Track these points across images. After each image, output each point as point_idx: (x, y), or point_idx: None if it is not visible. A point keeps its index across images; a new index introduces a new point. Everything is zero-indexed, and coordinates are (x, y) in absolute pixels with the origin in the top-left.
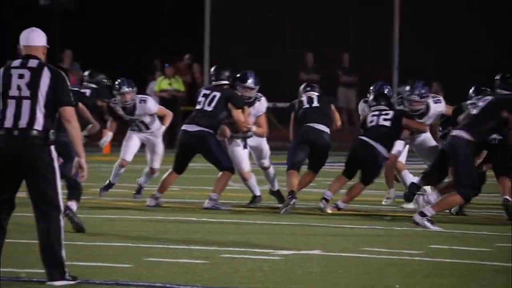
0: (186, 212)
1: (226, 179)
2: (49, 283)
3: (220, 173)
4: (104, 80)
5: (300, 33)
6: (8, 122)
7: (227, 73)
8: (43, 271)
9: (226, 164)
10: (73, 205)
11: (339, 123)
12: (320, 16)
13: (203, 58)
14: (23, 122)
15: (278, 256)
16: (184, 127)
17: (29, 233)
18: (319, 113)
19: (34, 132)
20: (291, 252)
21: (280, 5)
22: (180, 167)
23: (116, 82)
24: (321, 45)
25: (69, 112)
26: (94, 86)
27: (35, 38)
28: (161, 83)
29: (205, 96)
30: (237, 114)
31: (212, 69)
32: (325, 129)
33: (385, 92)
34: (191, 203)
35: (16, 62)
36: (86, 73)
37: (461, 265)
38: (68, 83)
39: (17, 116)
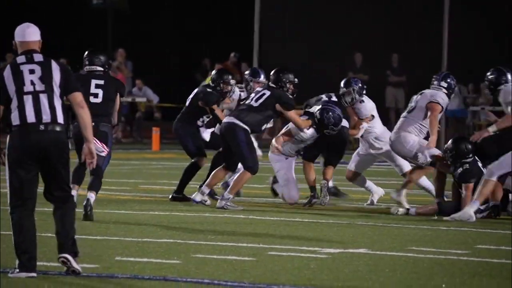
0: (233, 211)
1: (245, 178)
2: (62, 255)
3: (240, 172)
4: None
5: (349, 32)
6: (31, 118)
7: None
8: (93, 265)
9: (249, 163)
10: (92, 196)
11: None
12: (369, 16)
13: (251, 56)
14: (46, 117)
15: (325, 255)
16: (227, 119)
17: (79, 229)
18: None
19: (58, 126)
20: (338, 250)
21: (330, 4)
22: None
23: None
24: (370, 45)
25: (80, 97)
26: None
27: (31, 34)
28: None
29: (256, 92)
30: (292, 114)
31: (273, 72)
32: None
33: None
34: (238, 200)
35: (22, 58)
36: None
37: (508, 265)
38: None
39: (38, 111)
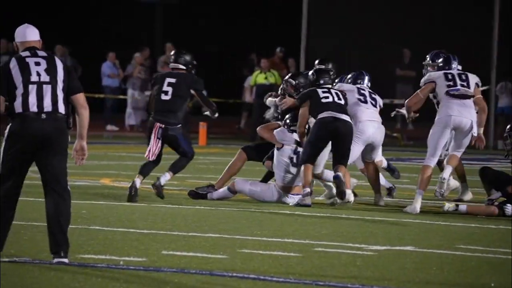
0: (279, 205)
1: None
2: (56, 260)
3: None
4: None
5: (398, 28)
6: (33, 106)
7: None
8: (140, 259)
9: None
10: (167, 175)
11: None
12: (419, 12)
13: (299, 52)
14: (48, 106)
15: (371, 251)
16: (335, 115)
17: (127, 222)
18: None
19: (59, 116)
20: (384, 247)
21: (377, 0)
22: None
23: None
24: (419, 41)
25: (83, 98)
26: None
27: (32, 33)
28: (257, 77)
29: (330, 92)
30: None
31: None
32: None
33: None
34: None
35: (26, 53)
36: None
37: None
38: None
39: (40, 100)
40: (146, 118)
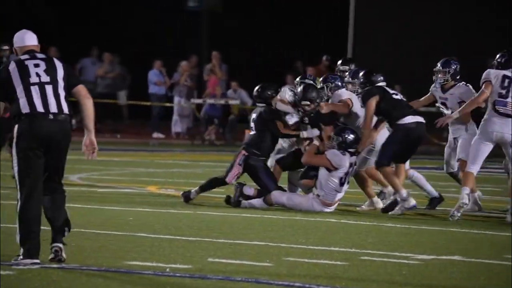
0: (324, 213)
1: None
2: (54, 244)
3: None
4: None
5: (444, 36)
6: (39, 107)
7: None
8: (186, 266)
9: None
10: (251, 191)
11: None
12: (468, 19)
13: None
14: (53, 107)
15: (417, 261)
16: (417, 119)
17: (173, 229)
18: None
19: (64, 116)
20: (431, 257)
21: (424, 7)
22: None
23: None
24: (467, 50)
25: (85, 90)
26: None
27: (30, 38)
28: None
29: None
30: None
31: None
32: None
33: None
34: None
35: (25, 56)
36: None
37: None
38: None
39: (45, 101)
40: (192, 125)
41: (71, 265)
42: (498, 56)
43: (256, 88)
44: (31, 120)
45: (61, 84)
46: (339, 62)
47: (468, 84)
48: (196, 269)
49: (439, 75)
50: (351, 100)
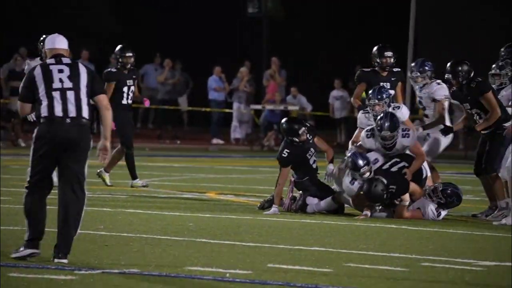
0: (385, 219)
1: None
2: (56, 260)
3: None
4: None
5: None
6: (58, 111)
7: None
8: (246, 272)
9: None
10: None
11: None
12: (471, 18)
13: (405, 65)
14: (72, 111)
15: (480, 267)
16: None
17: (232, 235)
18: None
19: (83, 121)
20: (494, 263)
21: (484, 9)
22: None
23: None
24: (471, 48)
25: (106, 100)
26: None
27: (60, 42)
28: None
29: None
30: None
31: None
32: None
33: None
34: None
35: (51, 61)
36: None
37: None
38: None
39: (65, 106)
40: (251, 131)
41: (132, 270)
42: (504, 48)
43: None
44: (49, 124)
45: (83, 90)
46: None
47: (440, 82)
48: (256, 274)
49: (418, 79)
50: None
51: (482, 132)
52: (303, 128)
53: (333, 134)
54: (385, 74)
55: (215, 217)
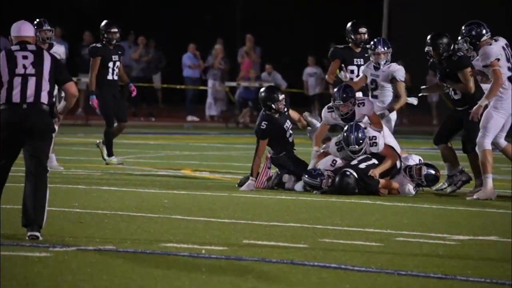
0: (360, 195)
1: None
2: (29, 233)
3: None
4: None
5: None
6: (16, 97)
7: None
8: (222, 248)
9: None
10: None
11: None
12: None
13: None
14: (30, 97)
15: (454, 241)
16: None
17: (208, 212)
18: None
19: (43, 106)
20: (467, 237)
21: None
22: None
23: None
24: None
25: (74, 87)
26: None
27: (26, 29)
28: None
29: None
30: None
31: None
32: None
33: None
34: None
35: (16, 47)
36: None
37: None
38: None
39: (24, 92)
40: (226, 108)
41: (107, 247)
42: (468, 29)
43: None
44: (8, 109)
45: (46, 77)
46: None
47: (400, 64)
48: (231, 250)
49: (382, 56)
50: None
51: (457, 108)
52: (283, 95)
53: (307, 111)
54: (358, 50)
55: (190, 194)
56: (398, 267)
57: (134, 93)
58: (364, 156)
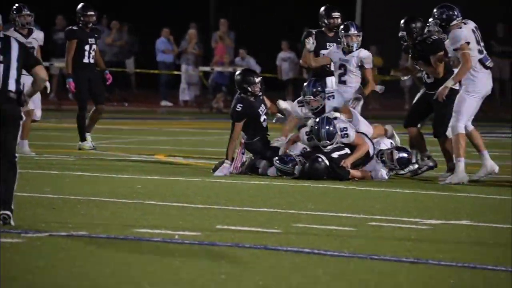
0: (333, 180)
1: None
2: (2, 211)
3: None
4: None
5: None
6: None
7: None
8: (195, 233)
9: None
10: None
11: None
12: None
13: None
14: None
15: (426, 226)
16: None
17: (181, 197)
18: None
19: (10, 93)
20: (439, 221)
21: None
22: None
23: None
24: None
25: (43, 71)
26: None
27: None
28: None
29: None
30: None
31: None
32: None
33: None
34: None
35: None
36: None
37: None
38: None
39: None
40: (199, 93)
41: (80, 233)
42: (439, 12)
43: None
44: None
45: (14, 64)
46: None
47: (369, 51)
48: (204, 236)
49: (354, 38)
50: None
51: (428, 91)
52: (259, 78)
53: (281, 96)
54: (331, 35)
55: (164, 180)
56: (371, 252)
57: (109, 81)
58: (337, 145)
